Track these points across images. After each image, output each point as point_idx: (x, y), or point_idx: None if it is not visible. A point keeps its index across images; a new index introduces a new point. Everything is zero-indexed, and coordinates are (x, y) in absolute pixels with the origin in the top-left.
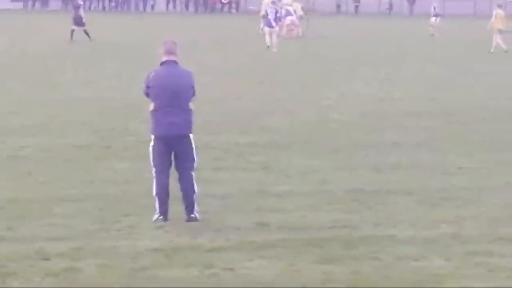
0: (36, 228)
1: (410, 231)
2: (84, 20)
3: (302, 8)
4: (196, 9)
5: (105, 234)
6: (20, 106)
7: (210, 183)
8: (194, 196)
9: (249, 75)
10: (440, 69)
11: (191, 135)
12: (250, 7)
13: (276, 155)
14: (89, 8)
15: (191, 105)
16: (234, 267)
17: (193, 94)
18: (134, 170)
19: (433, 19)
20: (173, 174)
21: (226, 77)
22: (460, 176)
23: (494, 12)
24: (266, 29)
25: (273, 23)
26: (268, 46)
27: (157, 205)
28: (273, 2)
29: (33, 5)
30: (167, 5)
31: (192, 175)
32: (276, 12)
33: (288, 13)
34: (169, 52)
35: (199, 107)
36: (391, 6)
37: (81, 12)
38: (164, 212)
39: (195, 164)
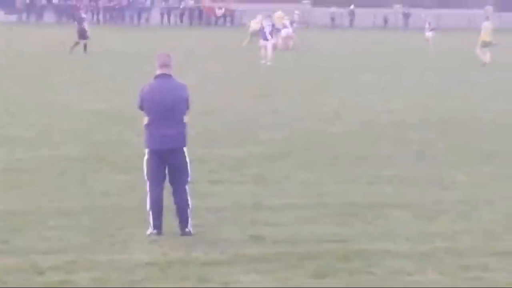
0: (30, 241)
1: (405, 245)
2: (88, 33)
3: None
4: (191, 22)
5: (99, 248)
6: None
7: (205, 196)
8: (188, 211)
9: (245, 86)
10: (436, 78)
11: (185, 148)
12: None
13: (271, 167)
14: None
15: (186, 118)
16: (229, 280)
17: (188, 107)
18: (129, 183)
19: (429, 33)
20: (168, 188)
21: (223, 88)
22: (456, 190)
23: (482, 25)
24: (262, 42)
25: (269, 37)
26: (263, 61)
27: (151, 219)
28: (268, 16)
29: (27, 17)
30: (162, 18)
31: (186, 189)
32: (273, 25)
33: (285, 26)
34: (163, 65)
35: (195, 118)
36: (386, 20)
37: (85, 25)
38: (158, 226)
39: (189, 178)
